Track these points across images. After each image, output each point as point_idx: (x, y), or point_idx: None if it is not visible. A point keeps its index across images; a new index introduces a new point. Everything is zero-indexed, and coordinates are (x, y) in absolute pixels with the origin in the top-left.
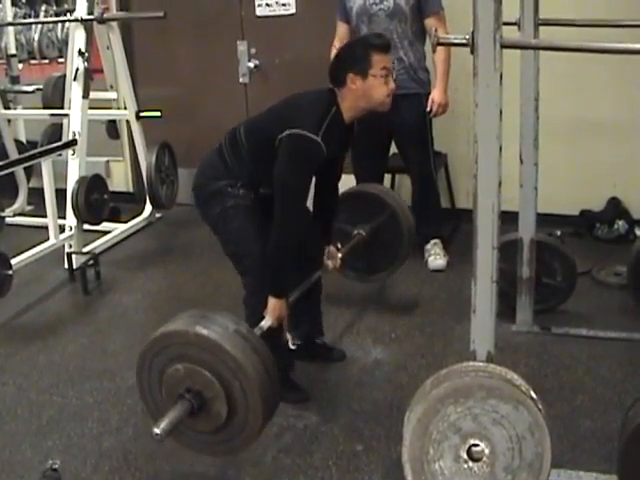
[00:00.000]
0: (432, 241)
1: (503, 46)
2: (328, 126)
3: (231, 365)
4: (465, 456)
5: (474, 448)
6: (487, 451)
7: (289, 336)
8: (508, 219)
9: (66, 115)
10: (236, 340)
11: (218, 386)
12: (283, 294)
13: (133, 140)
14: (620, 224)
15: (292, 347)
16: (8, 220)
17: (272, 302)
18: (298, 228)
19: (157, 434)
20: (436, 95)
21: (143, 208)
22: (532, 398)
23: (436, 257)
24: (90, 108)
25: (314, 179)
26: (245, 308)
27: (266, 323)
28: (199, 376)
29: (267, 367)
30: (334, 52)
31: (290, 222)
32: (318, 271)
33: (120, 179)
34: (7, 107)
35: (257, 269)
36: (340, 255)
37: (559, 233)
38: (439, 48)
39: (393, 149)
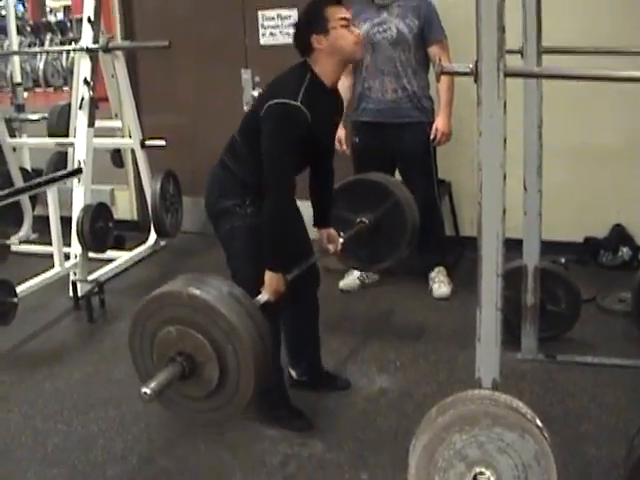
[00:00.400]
0: (436, 269)
1: (507, 75)
2: (307, 91)
3: (224, 327)
4: None
5: (480, 476)
6: (493, 479)
7: (293, 372)
8: (512, 246)
9: (71, 144)
10: (230, 302)
11: (210, 349)
12: (280, 268)
13: (138, 168)
14: (624, 251)
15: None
16: (13, 248)
17: (269, 276)
18: (289, 199)
19: (145, 393)
20: (440, 124)
21: (148, 236)
22: (538, 426)
23: (440, 285)
24: (95, 136)
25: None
26: None
27: (263, 297)
28: (191, 339)
29: (261, 332)
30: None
31: (280, 193)
32: (316, 255)
33: (125, 207)
34: (13, 135)
35: (250, 290)
36: (341, 240)
37: (563, 260)
38: (443, 77)
39: (397, 177)
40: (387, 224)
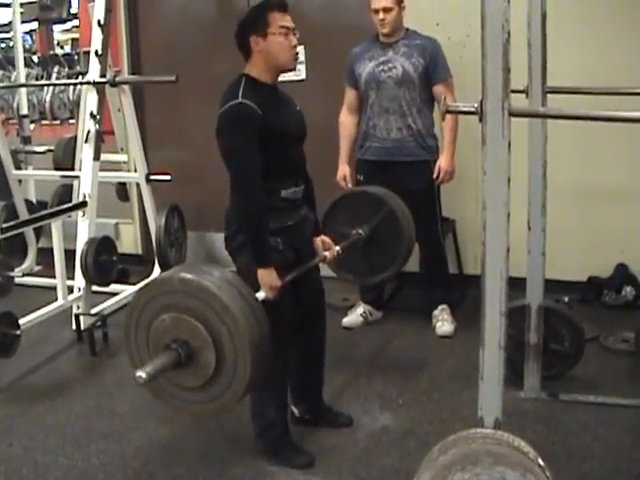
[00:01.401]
0: (440, 307)
1: (512, 114)
2: (246, 90)
3: (217, 309)
4: None
5: None
6: None
7: (295, 410)
8: (516, 285)
9: (77, 177)
10: (221, 284)
11: (205, 333)
12: (268, 262)
13: (143, 202)
14: (628, 290)
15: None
16: (17, 280)
17: (260, 273)
18: (255, 192)
19: (140, 376)
20: (443, 162)
21: (152, 270)
22: (540, 465)
23: (444, 323)
24: (100, 170)
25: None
26: None
27: (260, 295)
28: (185, 324)
29: (256, 314)
30: (342, 118)
31: (245, 188)
32: (316, 258)
33: (129, 241)
34: (18, 167)
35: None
36: (338, 248)
37: (567, 299)
38: (447, 116)
39: None
40: (383, 235)
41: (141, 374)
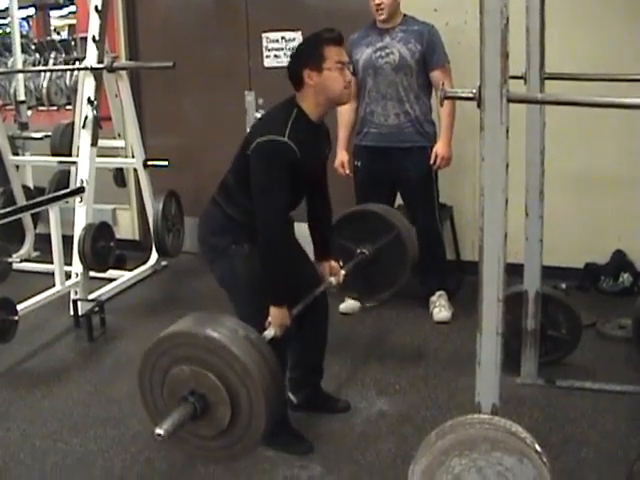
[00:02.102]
0: (437, 293)
1: (510, 101)
2: (293, 127)
3: (239, 371)
4: None
5: None
6: None
7: (293, 398)
8: (513, 271)
9: (74, 163)
10: (245, 346)
11: (224, 391)
12: (283, 302)
13: (140, 188)
14: (625, 277)
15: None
16: (14, 266)
17: (273, 311)
18: (282, 233)
19: (159, 435)
20: (439, 148)
21: (149, 256)
22: (537, 451)
23: (441, 309)
24: (98, 156)
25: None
26: None
27: (269, 333)
28: (205, 379)
29: (275, 376)
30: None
31: (272, 227)
32: (321, 285)
33: (127, 227)
34: (16, 153)
35: (257, 318)
36: (344, 272)
37: (564, 286)
38: (445, 102)
39: (398, 201)
40: (387, 256)
41: (160, 432)
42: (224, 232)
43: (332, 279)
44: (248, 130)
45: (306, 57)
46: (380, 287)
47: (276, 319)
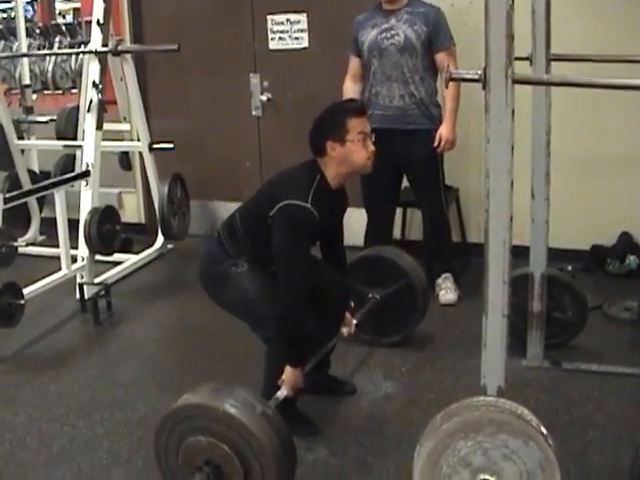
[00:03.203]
0: (443, 275)
1: (515, 82)
2: (315, 193)
3: (254, 447)
4: None
5: None
6: None
7: None
8: (519, 253)
9: (79, 146)
10: (262, 423)
11: (238, 464)
12: (300, 364)
13: (146, 172)
14: (631, 259)
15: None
16: (20, 250)
17: (289, 372)
18: (302, 297)
19: None
20: (444, 131)
21: (155, 239)
22: (542, 433)
23: (447, 291)
24: (103, 139)
25: (319, 243)
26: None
27: (282, 394)
28: (220, 451)
29: (287, 452)
30: (346, 86)
31: (294, 292)
32: (334, 339)
33: (132, 210)
34: (21, 137)
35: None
36: (355, 321)
37: (570, 268)
38: (449, 84)
39: (405, 183)
40: (398, 302)
41: None
42: (222, 261)
43: (344, 330)
44: (269, 184)
45: (329, 128)
46: (390, 331)
47: (290, 381)
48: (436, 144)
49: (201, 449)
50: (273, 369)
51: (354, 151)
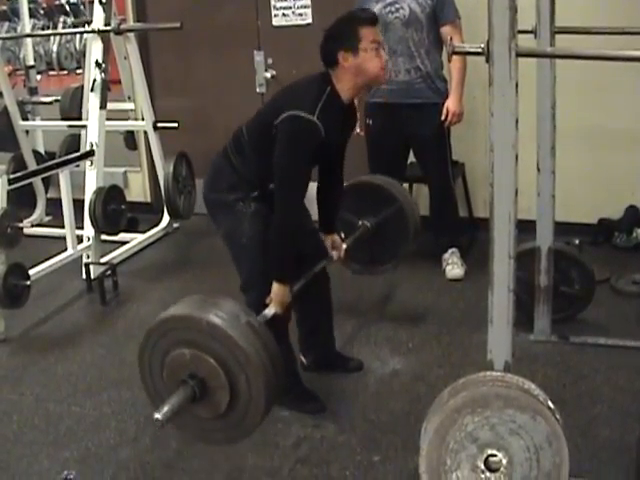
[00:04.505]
0: (450, 250)
1: (519, 55)
2: (324, 106)
3: (240, 358)
4: (482, 466)
5: (491, 458)
6: (505, 461)
7: (303, 359)
8: (526, 228)
9: (84, 126)
10: (247, 333)
11: (223, 376)
12: (287, 280)
13: (151, 151)
14: (638, 232)
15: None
16: (26, 231)
17: (276, 288)
18: (298, 213)
19: (158, 419)
20: (450, 104)
21: (161, 218)
22: (550, 408)
23: (454, 266)
24: (108, 119)
25: (317, 167)
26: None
27: (270, 311)
28: (205, 364)
29: (274, 363)
30: None
31: (290, 207)
32: (323, 261)
33: (138, 189)
34: (25, 118)
35: (259, 284)
36: (345, 246)
37: (577, 242)
38: (455, 57)
39: (411, 158)
40: (389, 229)
41: (158, 417)
42: (231, 188)
43: (334, 253)
44: (276, 95)
45: (341, 38)
46: (382, 259)
47: (278, 296)
48: (443, 117)
49: (185, 362)
50: None
51: (367, 60)
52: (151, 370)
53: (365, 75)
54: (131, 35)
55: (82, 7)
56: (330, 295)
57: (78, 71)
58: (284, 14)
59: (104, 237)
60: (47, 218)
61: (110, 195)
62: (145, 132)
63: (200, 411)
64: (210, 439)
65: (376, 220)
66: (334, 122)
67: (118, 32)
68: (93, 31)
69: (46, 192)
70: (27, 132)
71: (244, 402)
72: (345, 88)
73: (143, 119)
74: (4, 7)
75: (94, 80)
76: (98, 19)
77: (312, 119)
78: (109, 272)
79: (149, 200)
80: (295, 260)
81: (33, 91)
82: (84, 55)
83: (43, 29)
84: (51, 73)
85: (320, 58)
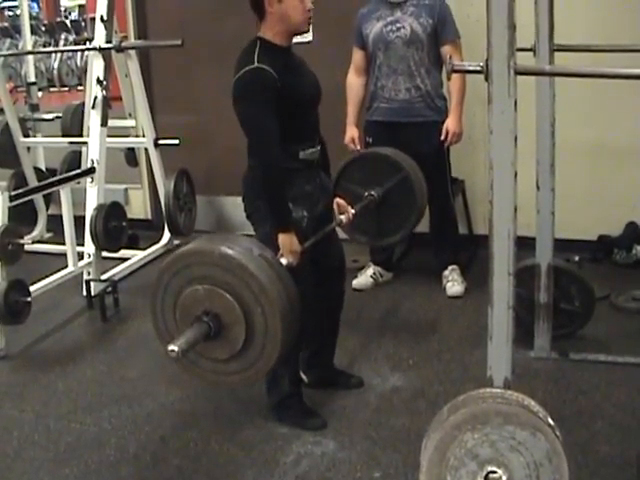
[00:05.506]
0: (450, 267)
1: (517, 73)
2: (261, 54)
3: (254, 289)
4: None
5: (492, 475)
6: (505, 478)
7: (304, 377)
8: (525, 244)
9: (85, 143)
10: (261, 264)
11: (239, 310)
12: (288, 226)
13: (151, 167)
14: (638, 249)
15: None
16: (27, 247)
17: (281, 237)
18: (272, 157)
19: (173, 350)
20: (450, 124)
21: (161, 235)
22: (549, 424)
23: (454, 283)
24: (109, 136)
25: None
26: None
27: (282, 260)
28: (219, 299)
29: (290, 295)
30: (350, 79)
31: (265, 154)
32: (332, 223)
33: (138, 206)
34: (27, 135)
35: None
36: (353, 211)
37: (577, 258)
38: (454, 76)
39: None
40: (396, 199)
41: (174, 348)
42: (258, 196)
43: (342, 217)
44: None
45: None
46: (389, 230)
47: (286, 245)
48: (443, 137)
49: (199, 299)
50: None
51: (291, 7)
52: (164, 312)
53: (289, 22)
54: (132, 52)
55: (83, 24)
56: (340, 316)
57: (79, 88)
58: None
59: (105, 254)
60: (48, 235)
61: (111, 212)
62: (146, 149)
63: (216, 351)
64: (225, 382)
65: (382, 190)
66: (284, 64)
67: (119, 50)
68: (94, 48)
69: (47, 209)
70: (28, 149)
71: (260, 337)
72: (276, 33)
73: (144, 136)
74: (6, 24)
75: (95, 97)
76: (99, 36)
77: (254, 66)
78: (110, 289)
79: (150, 217)
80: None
81: (34, 108)
82: (85, 72)
83: (44, 46)
84: (52, 90)
85: (252, 9)
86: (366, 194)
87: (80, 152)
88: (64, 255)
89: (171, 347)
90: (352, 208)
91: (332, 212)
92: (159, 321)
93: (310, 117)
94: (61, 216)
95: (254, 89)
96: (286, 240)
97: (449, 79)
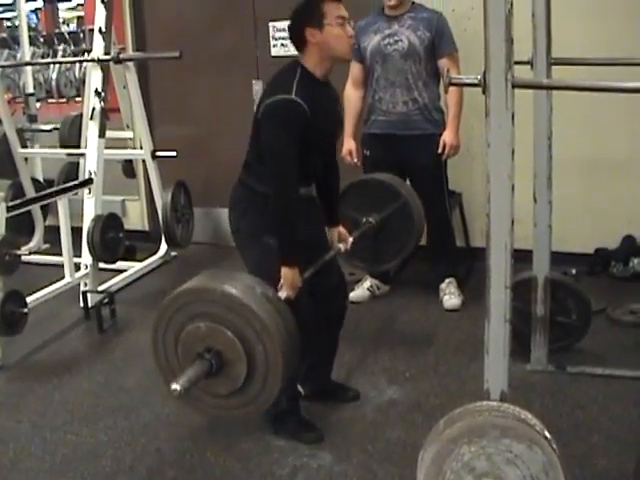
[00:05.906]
0: (447, 280)
1: (515, 86)
2: (300, 85)
3: (257, 327)
4: None
5: None
6: None
7: (301, 389)
8: (522, 257)
9: (82, 154)
10: (263, 303)
11: (240, 348)
12: (295, 262)
13: (149, 179)
14: (635, 262)
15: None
16: (24, 258)
17: (285, 272)
18: (293, 192)
19: (175, 390)
20: (447, 137)
21: (159, 247)
22: (546, 437)
23: (451, 296)
24: (106, 147)
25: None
26: None
27: (282, 294)
28: (221, 336)
29: (290, 332)
30: (347, 91)
31: (286, 187)
32: (331, 251)
33: (136, 218)
34: (25, 146)
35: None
36: (351, 238)
37: (574, 271)
38: (452, 89)
39: None
40: (394, 225)
41: (176, 387)
42: (254, 211)
43: (340, 245)
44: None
45: (306, 16)
46: (387, 256)
47: (288, 280)
48: (440, 150)
49: (201, 336)
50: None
51: (334, 35)
52: (165, 348)
53: (333, 51)
54: (130, 64)
55: (82, 36)
56: (339, 332)
57: (77, 99)
58: (282, 44)
59: (102, 265)
60: (45, 246)
61: (108, 223)
62: (144, 161)
63: (217, 387)
64: (227, 416)
65: (380, 216)
66: (316, 99)
67: (118, 61)
68: (93, 60)
69: (44, 220)
70: (26, 159)
71: (261, 374)
72: (317, 64)
73: (142, 148)
74: (4, 35)
75: (93, 108)
76: (98, 48)
77: (291, 97)
78: (107, 300)
79: (147, 228)
80: (305, 248)
81: (32, 119)
82: (83, 83)
83: (43, 57)
84: (50, 101)
85: (291, 41)
86: (364, 220)
87: (78, 163)
88: (61, 266)
89: (173, 386)
90: (350, 235)
91: (323, 234)
92: (161, 356)
93: (317, 154)
94: (58, 227)
95: (287, 119)
96: (289, 275)
97: (446, 92)
